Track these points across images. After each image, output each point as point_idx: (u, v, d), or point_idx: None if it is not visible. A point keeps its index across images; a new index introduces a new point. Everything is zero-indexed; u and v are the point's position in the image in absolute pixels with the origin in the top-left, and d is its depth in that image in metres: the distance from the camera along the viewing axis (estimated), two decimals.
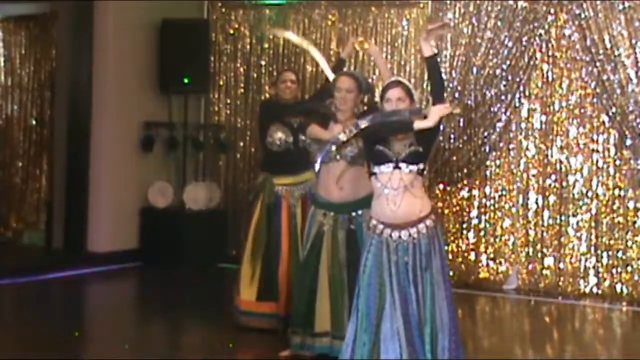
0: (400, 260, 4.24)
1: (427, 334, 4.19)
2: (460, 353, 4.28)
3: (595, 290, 7.61)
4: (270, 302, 5.86)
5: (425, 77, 8.13)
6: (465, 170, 8.06)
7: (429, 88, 7.99)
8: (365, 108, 5.32)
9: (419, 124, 4.19)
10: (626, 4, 7.38)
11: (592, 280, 7.64)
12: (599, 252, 7.62)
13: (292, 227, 5.84)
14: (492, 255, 8.02)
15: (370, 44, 5.72)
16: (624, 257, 7.52)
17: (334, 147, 4.64)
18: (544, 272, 7.81)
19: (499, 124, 7.96)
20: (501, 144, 8.01)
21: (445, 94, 4.55)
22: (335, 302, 5.13)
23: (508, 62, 7.83)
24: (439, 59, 4.48)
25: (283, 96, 5.97)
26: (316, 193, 5.33)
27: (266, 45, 8.98)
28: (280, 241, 5.86)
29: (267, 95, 8.90)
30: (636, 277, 7.49)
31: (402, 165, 4.26)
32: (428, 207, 4.30)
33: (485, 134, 7.96)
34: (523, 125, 7.94)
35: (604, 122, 7.64)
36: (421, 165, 4.29)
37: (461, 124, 8.02)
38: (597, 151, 7.66)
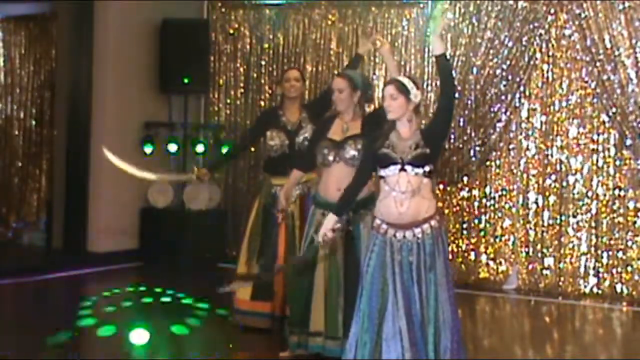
0: (404, 260, 4.24)
1: (431, 334, 4.19)
2: (462, 354, 4.28)
3: (595, 290, 7.61)
4: (265, 301, 5.86)
5: (426, 77, 8.15)
6: (465, 170, 8.06)
7: (428, 88, 8.10)
8: (374, 108, 5.30)
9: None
10: (626, 4, 7.38)
11: (592, 280, 7.64)
12: (599, 252, 7.62)
13: (288, 228, 5.83)
14: (492, 255, 8.02)
15: (384, 43, 5.61)
16: (624, 257, 7.52)
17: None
18: (544, 272, 7.81)
19: (499, 124, 7.96)
20: (501, 144, 8.01)
21: (454, 93, 4.50)
22: (330, 303, 5.12)
23: (508, 62, 7.83)
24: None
25: (288, 95, 5.95)
26: (317, 193, 5.34)
27: (266, 45, 8.98)
28: (276, 241, 5.85)
29: (267, 95, 8.93)
30: (636, 277, 7.48)
31: (408, 168, 4.23)
32: (433, 208, 4.29)
33: (485, 134, 7.96)
34: (523, 125, 7.94)
35: (604, 122, 7.63)
36: (427, 168, 4.25)
37: (461, 124, 8.02)
38: (597, 151, 7.65)
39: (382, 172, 4.31)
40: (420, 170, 4.23)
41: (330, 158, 5.14)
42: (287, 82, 5.95)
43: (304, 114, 5.90)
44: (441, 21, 4.31)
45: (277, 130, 5.89)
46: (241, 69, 9.11)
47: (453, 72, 4.67)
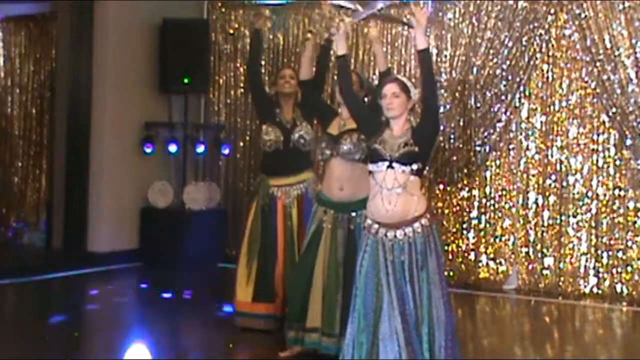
0: (397, 260, 4.26)
1: (425, 333, 4.20)
2: (456, 352, 4.29)
3: (595, 290, 7.60)
4: (266, 303, 5.86)
5: None
6: (465, 170, 8.06)
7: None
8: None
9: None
10: (626, 4, 7.38)
11: (592, 280, 7.64)
12: (599, 252, 7.61)
13: (287, 228, 5.83)
14: (492, 255, 8.02)
15: (372, 30, 5.56)
16: (624, 257, 7.52)
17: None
18: (544, 272, 7.81)
19: (499, 124, 7.95)
20: (501, 144, 8.01)
21: (435, 89, 4.54)
22: (329, 300, 5.14)
23: (508, 62, 7.83)
24: (433, 55, 4.50)
25: (282, 91, 5.97)
26: (320, 191, 5.36)
27: (266, 46, 8.98)
28: (276, 242, 5.86)
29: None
30: (636, 277, 7.48)
31: (396, 165, 4.26)
32: (423, 207, 4.30)
33: (485, 134, 7.96)
34: (523, 125, 7.94)
35: (604, 122, 7.63)
36: (415, 166, 4.27)
37: (461, 124, 8.02)
38: (597, 151, 7.65)
39: (371, 167, 4.36)
40: (407, 168, 4.26)
41: (328, 152, 5.21)
42: (281, 79, 6.00)
43: (297, 112, 5.92)
44: (423, 17, 4.35)
45: (273, 125, 5.89)
46: (241, 69, 9.11)
47: (433, 68, 4.69)
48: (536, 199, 7.88)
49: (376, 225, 4.32)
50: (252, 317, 5.89)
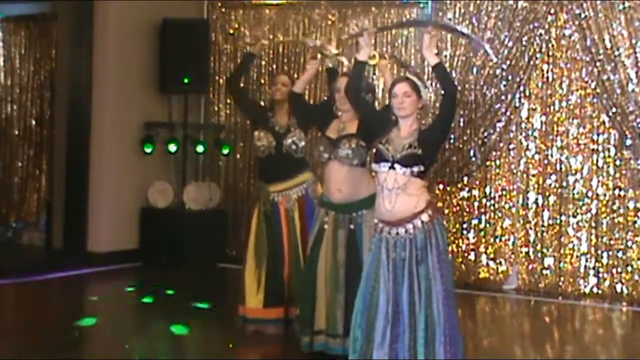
0: (398, 257, 4.30)
1: (421, 329, 4.21)
2: (458, 350, 4.28)
3: (595, 290, 7.61)
4: (277, 307, 5.83)
5: (426, 77, 8.13)
6: (465, 170, 8.06)
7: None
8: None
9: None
10: (626, 4, 7.38)
11: (592, 280, 7.64)
12: (599, 252, 7.62)
13: (291, 231, 5.83)
14: (492, 255, 8.02)
15: (381, 58, 5.43)
16: (624, 257, 7.52)
17: None
18: (544, 272, 7.81)
19: (499, 124, 7.96)
20: (501, 144, 8.01)
21: (455, 100, 4.53)
22: (330, 301, 5.14)
23: (508, 62, 7.83)
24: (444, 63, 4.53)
25: (274, 98, 5.99)
26: (323, 194, 5.36)
27: (265, 42, 8.97)
28: (282, 246, 5.85)
29: (267, 95, 8.92)
30: (636, 277, 7.48)
31: (397, 166, 4.29)
32: (423, 203, 4.32)
33: (485, 134, 7.96)
34: (523, 125, 7.94)
35: (604, 122, 7.63)
36: (416, 168, 4.28)
37: (461, 124, 8.02)
38: (597, 151, 7.65)
39: (374, 167, 4.40)
40: (408, 170, 4.27)
41: (326, 155, 5.22)
42: (274, 86, 6.00)
43: (292, 120, 5.91)
44: (432, 37, 4.39)
45: (265, 131, 5.89)
46: None
47: (452, 79, 4.73)
48: (536, 199, 7.88)
49: (381, 224, 4.37)
50: (264, 323, 5.85)
